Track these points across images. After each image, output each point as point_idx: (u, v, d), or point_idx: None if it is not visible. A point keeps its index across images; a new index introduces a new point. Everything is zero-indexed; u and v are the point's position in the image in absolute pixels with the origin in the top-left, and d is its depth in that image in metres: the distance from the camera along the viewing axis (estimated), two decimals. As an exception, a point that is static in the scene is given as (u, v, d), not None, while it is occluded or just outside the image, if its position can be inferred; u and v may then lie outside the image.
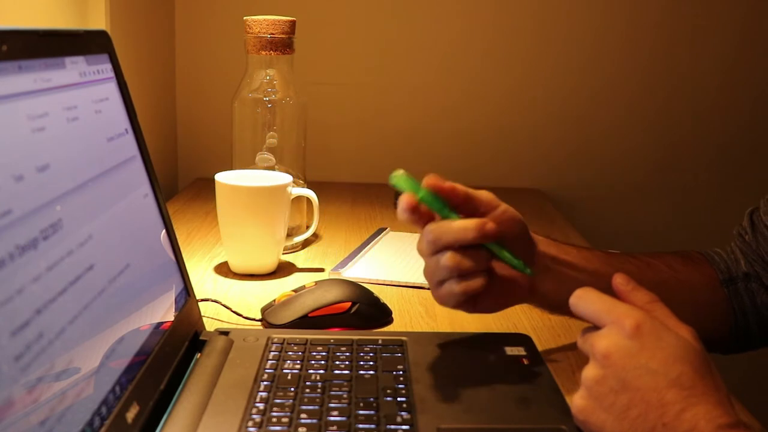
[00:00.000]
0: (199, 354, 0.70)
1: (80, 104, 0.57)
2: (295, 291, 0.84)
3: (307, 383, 0.64)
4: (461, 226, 0.64)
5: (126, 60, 0.72)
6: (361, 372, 0.67)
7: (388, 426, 0.58)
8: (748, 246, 0.83)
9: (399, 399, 0.62)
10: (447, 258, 0.65)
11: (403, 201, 0.65)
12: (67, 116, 0.54)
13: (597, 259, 0.76)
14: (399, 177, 0.65)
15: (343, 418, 0.59)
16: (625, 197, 1.67)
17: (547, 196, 1.60)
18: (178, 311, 0.70)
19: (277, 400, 0.61)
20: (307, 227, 1.08)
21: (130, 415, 0.53)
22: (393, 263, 1.04)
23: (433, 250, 0.66)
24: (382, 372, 0.67)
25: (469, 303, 0.69)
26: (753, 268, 0.82)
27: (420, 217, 0.66)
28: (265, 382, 0.64)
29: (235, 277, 0.98)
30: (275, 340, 0.72)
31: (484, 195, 0.68)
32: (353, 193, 1.50)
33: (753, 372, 1.56)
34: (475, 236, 0.64)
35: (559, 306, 0.74)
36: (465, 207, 0.67)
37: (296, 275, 1.00)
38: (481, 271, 0.66)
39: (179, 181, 1.63)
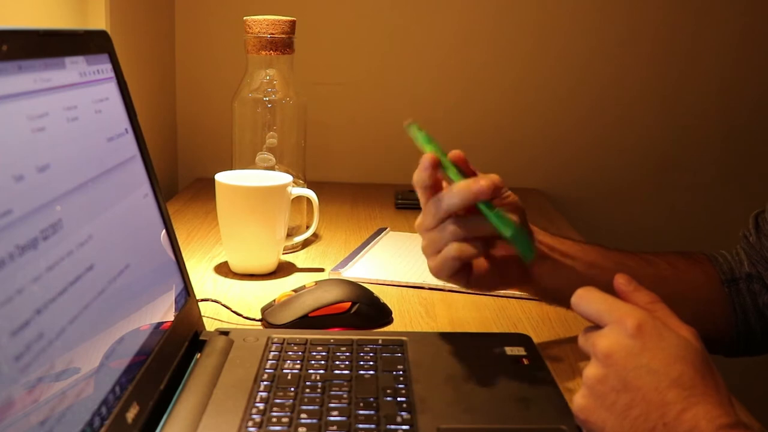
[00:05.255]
0: (199, 354, 0.70)
1: (80, 104, 0.57)
2: (295, 291, 0.84)
3: (307, 383, 0.64)
4: (462, 185, 0.65)
5: (126, 60, 0.72)
6: (361, 372, 0.67)
7: (388, 426, 0.58)
8: (752, 248, 0.83)
9: (399, 399, 0.62)
10: (449, 223, 0.67)
11: (427, 158, 0.66)
12: (67, 116, 0.54)
13: (595, 252, 0.76)
14: (414, 129, 0.67)
15: (343, 418, 0.59)
16: (625, 197, 1.67)
17: (547, 196, 1.60)
18: (178, 311, 0.70)
19: (277, 400, 0.61)
20: (307, 227, 1.08)
21: (130, 415, 0.53)
22: (393, 263, 1.04)
23: (436, 221, 0.67)
24: (382, 372, 0.67)
25: (463, 274, 0.70)
26: (756, 269, 0.82)
27: (433, 182, 0.67)
28: (265, 382, 0.64)
29: (235, 277, 0.98)
30: (275, 340, 0.72)
31: (493, 177, 0.69)
32: (353, 193, 1.50)
33: (753, 372, 1.56)
34: (476, 190, 0.65)
35: (554, 295, 0.75)
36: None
37: (296, 275, 1.00)
38: (478, 239, 0.67)
39: (179, 181, 1.63)
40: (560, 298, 0.74)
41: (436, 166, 0.67)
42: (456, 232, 0.67)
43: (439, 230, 0.68)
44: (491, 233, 0.66)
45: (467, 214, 0.67)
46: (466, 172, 0.68)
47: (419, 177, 0.68)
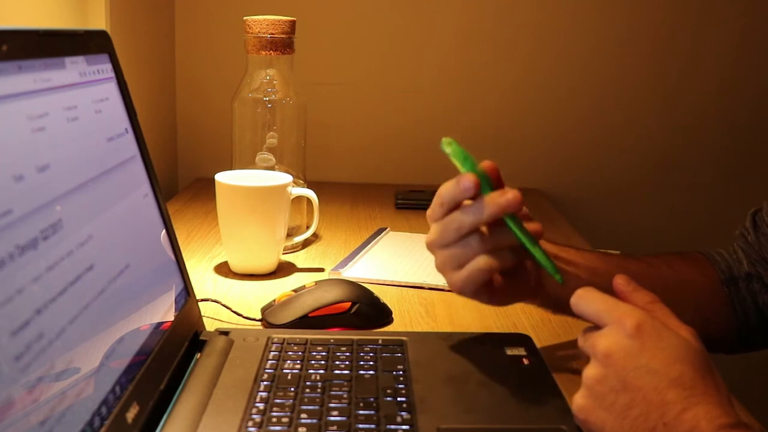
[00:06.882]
0: (199, 354, 0.70)
1: (80, 104, 0.57)
2: (295, 291, 0.84)
3: (307, 383, 0.64)
4: (489, 199, 0.63)
5: (126, 60, 0.72)
6: (361, 372, 0.67)
7: (388, 426, 0.58)
8: (751, 247, 0.83)
9: (399, 399, 0.62)
10: (477, 238, 0.64)
11: (470, 179, 0.63)
12: (67, 116, 0.54)
13: (596, 258, 0.76)
14: (453, 145, 0.63)
15: (343, 418, 0.59)
16: (625, 197, 1.67)
17: (547, 196, 1.60)
18: (178, 311, 0.70)
19: (277, 400, 0.61)
20: (307, 227, 1.08)
21: (130, 415, 0.53)
22: (393, 263, 1.04)
23: (458, 236, 0.65)
24: (382, 372, 0.67)
25: (487, 289, 0.68)
26: (755, 268, 0.82)
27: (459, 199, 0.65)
28: (265, 382, 0.64)
29: (235, 277, 0.98)
30: (275, 340, 0.72)
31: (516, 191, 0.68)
32: (353, 193, 1.50)
33: (753, 372, 1.56)
34: (506, 206, 0.63)
35: (560, 304, 0.74)
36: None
37: (296, 275, 1.00)
38: (506, 249, 0.65)
39: (179, 181, 1.63)
40: (564, 306, 0.73)
41: (477, 187, 0.63)
42: (482, 245, 0.64)
43: (462, 245, 0.65)
44: (517, 243, 0.65)
45: (489, 226, 0.65)
46: (496, 185, 0.66)
47: (454, 194, 0.65)
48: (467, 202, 0.65)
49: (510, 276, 0.70)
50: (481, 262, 0.65)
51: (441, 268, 0.68)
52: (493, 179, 0.65)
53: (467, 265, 0.66)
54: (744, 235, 0.85)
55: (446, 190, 0.65)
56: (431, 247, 0.68)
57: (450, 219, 0.66)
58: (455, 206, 0.66)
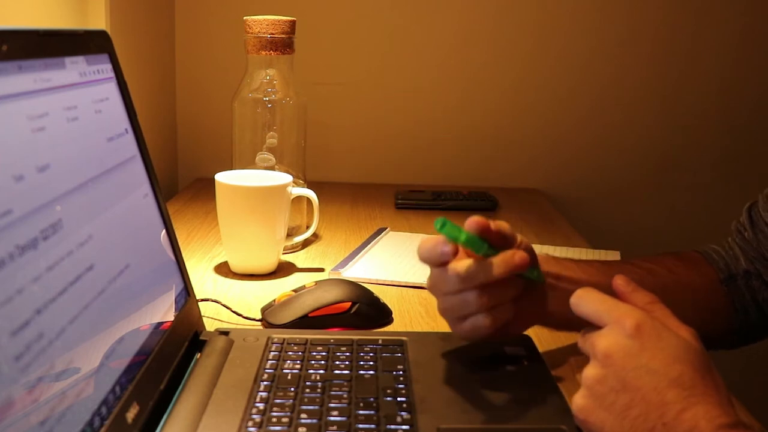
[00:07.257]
0: (199, 354, 0.70)
1: (80, 104, 0.57)
2: (295, 291, 0.84)
3: (307, 383, 0.64)
4: (500, 261, 0.63)
5: (126, 60, 0.72)
6: (361, 372, 0.67)
7: (388, 426, 0.58)
8: (748, 243, 0.83)
9: (399, 399, 0.62)
10: (477, 295, 0.64)
11: (448, 250, 0.64)
12: (67, 116, 0.54)
13: (597, 271, 0.75)
14: (444, 223, 0.62)
15: (343, 418, 0.59)
16: (625, 197, 1.67)
17: (547, 196, 1.60)
18: (178, 311, 0.70)
19: (277, 400, 0.61)
20: (307, 227, 1.08)
21: (130, 415, 0.53)
22: (393, 263, 1.04)
23: (461, 289, 0.65)
24: (382, 372, 0.67)
25: (494, 333, 0.68)
26: (753, 265, 0.82)
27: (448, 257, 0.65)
28: (265, 382, 0.64)
29: (235, 277, 0.98)
30: (275, 340, 0.72)
31: (504, 225, 0.68)
32: (353, 193, 1.50)
33: (753, 372, 1.56)
34: (514, 269, 0.64)
35: (566, 323, 0.73)
36: (498, 242, 0.66)
37: (296, 275, 1.00)
38: (508, 301, 0.66)
39: (179, 181, 1.63)
40: (570, 324, 0.73)
41: (455, 255, 0.64)
42: (485, 301, 0.65)
43: (462, 297, 0.65)
44: (519, 293, 0.66)
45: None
46: (492, 240, 0.65)
47: (431, 257, 0.65)
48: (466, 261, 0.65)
49: (520, 310, 0.69)
50: (484, 320, 0.65)
51: (443, 315, 0.69)
52: (487, 234, 0.65)
53: (469, 320, 0.66)
54: (740, 231, 0.85)
55: (424, 253, 0.66)
56: (430, 290, 0.69)
57: (448, 270, 0.65)
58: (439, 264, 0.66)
